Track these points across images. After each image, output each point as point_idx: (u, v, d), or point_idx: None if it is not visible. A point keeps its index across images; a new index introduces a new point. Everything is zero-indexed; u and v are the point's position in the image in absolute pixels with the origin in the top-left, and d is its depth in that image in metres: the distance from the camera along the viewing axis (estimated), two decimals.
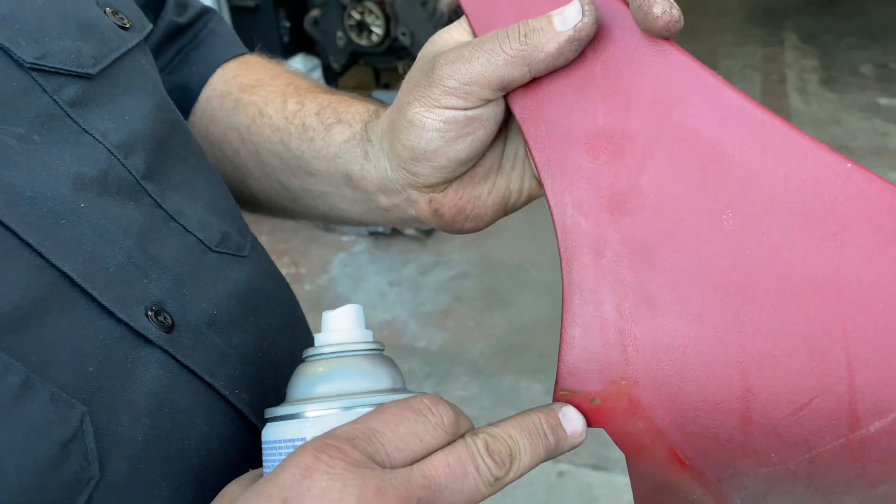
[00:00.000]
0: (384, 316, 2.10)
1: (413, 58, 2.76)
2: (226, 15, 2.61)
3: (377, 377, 0.31)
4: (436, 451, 0.27)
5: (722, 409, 0.30)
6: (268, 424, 0.31)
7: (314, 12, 2.71)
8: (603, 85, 0.32)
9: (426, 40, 0.38)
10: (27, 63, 0.32)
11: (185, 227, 0.37)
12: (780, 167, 0.29)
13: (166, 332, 0.33)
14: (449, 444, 0.28)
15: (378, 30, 2.64)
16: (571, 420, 0.32)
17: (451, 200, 0.38)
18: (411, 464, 0.27)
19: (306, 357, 0.32)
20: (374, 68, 2.84)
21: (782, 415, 0.29)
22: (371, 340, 0.32)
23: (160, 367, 0.32)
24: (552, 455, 0.31)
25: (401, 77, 0.47)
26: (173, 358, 0.33)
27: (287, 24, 2.74)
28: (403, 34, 2.63)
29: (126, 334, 0.31)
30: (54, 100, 0.33)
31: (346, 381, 0.30)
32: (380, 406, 0.29)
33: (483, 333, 2.09)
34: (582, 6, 0.31)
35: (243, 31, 0.61)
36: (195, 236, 0.37)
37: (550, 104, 0.33)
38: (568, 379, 0.33)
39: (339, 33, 2.68)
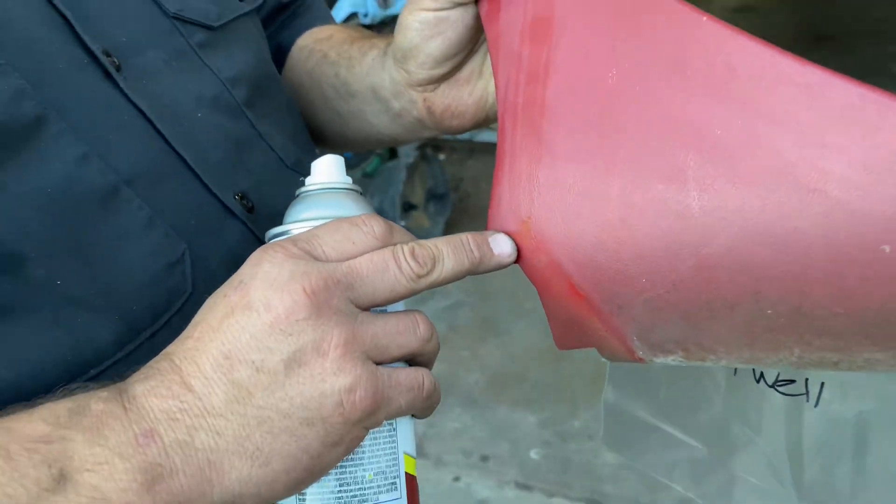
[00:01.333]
0: None
1: None
2: None
3: (350, 207, 0.38)
4: (367, 252, 0.34)
5: (600, 238, 0.35)
6: (267, 242, 0.38)
7: None
8: None
9: None
10: (171, 13, 0.45)
11: (270, 147, 0.48)
12: (651, 30, 0.34)
13: (248, 212, 0.45)
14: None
15: None
16: (500, 243, 0.38)
17: (440, 99, 0.49)
18: (344, 260, 0.34)
19: (298, 193, 0.40)
20: None
21: (645, 239, 0.33)
22: (349, 183, 0.40)
23: (241, 236, 0.44)
24: (477, 268, 0.37)
25: None
26: (251, 231, 0.44)
27: None
28: None
29: (218, 206, 0.43)
30: (187, 41, 0.46)
31: (325, 208, 0.38)
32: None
33: (478, 363, 2.08)
34: None
35: None
36: (277, 154, 0.49)
37: (504, 4, 0.41)
38: (492, 223, 0.39)
39: None
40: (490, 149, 3.29)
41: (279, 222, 0.41)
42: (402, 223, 2.32)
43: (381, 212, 2.06)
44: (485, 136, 3.27)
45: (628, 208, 0.34)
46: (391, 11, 2.65)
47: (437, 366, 0.38)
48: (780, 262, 0.30)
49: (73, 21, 0.39)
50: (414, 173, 2.46)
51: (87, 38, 0.39)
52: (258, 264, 0.33)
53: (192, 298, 0.40)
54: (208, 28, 0.47)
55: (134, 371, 0.33)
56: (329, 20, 0.65)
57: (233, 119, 0.46)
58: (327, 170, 0.40)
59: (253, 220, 0.45)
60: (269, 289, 0.32)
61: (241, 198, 0.44)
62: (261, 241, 0.44)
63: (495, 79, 0.41)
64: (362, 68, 0.53)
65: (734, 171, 0.30)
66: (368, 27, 2.62)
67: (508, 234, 0.38)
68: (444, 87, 0.48)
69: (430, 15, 0.44)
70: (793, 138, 0.29)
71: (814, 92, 0.29)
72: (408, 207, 2.43)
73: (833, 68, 0.29)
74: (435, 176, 2.62)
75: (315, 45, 0.60)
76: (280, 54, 0.61)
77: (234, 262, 0.41)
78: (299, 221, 0.38)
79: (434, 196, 2.62)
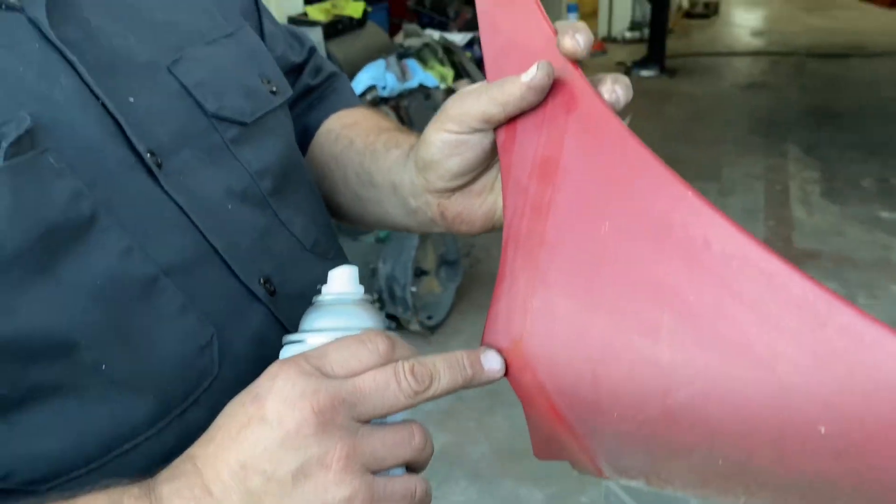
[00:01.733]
0: None
1: None
2: None
3: (361, 317, 0.42)
4: (371, 370, 0.38)
5: (581, 369, 0.39)
6: (284, 347, 0.42)
7: None
8: (549, 124, 0.43)
9: None
10: (210, 112, 0.49)
11: (291, 232, 0.53)
12: (643, 193, 0.38)
13: (270, 295, 0.48)
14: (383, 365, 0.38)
15: None
16: (490, 360, 0.41)
17: (453, 206, 0.52)
18: (350, 377, 0.37)
19: (314, 301, 0.43)
20: None
21: (619, 379, 0.37)
22: (361, 293, 0.43)
23: (264, 318, 0.47)
24: (470, 383, 0.40)
25: None
26: (272, 313, 0.48)
27: None
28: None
29: (244, 292, 0.47)
30: (222, 137, 0.49)
31: (338, 318, 0.41)
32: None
33: (485, 435, 2.04)
34: (538, 65, 0.42)
35: None
36: (297, 238, 0.53)
37: (519, 139, 0.45)
38: (488, 337, 0.43)
39: None
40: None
41: (298, 303, 0.45)
42: (414, 289, 2.33)
43: (392, 278, 2.05)
44: None
45: (608, 349, 0.38)
46: (408, 85, 2.73)
47: (443, 436, 0.39)
48: (733, 423, 0.34)
49: (123, 125, 0.43)
50: (426, 239, 2.48)
51: (134, 140, 0.43)
52: (274, 379, 0.36)
53: (219, 378, 0.44)
54: (242, 124, 0.50)
55: (162, 467, 0.37)
56: (354, 103, 0.68)
57: (258, 209, 0.50)
58: (342, 281, 0.43)
59: (274, 302, 0.48)
60: (283, 404, 0.36)
61: (265, 282, 0.48)
62: (281, 323, 0.48)
63: (503, 203, 0.45)
64: (386, 163, 0.57)
65: (701, 336, 0.35)
66: (386, 99, 2.70)
67: (500, 349, 0.42)
68: (458, 195, 0.51)
69: (452, 137, 0.47)
70: (754, 318, 0.33)
71: (775, 280, 0.33)
72: (419, 273, 2.43)
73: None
74: (447, 242, 2.64)
75: (342, 131, 0.63)
76: (306, 135, 0.65)
77: (256, 343, 0.47)
78: (314, 331, 0.41)
79: (445, 262, 2.63)
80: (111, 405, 0.40)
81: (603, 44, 4.00)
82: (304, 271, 0.51)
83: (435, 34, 3.33)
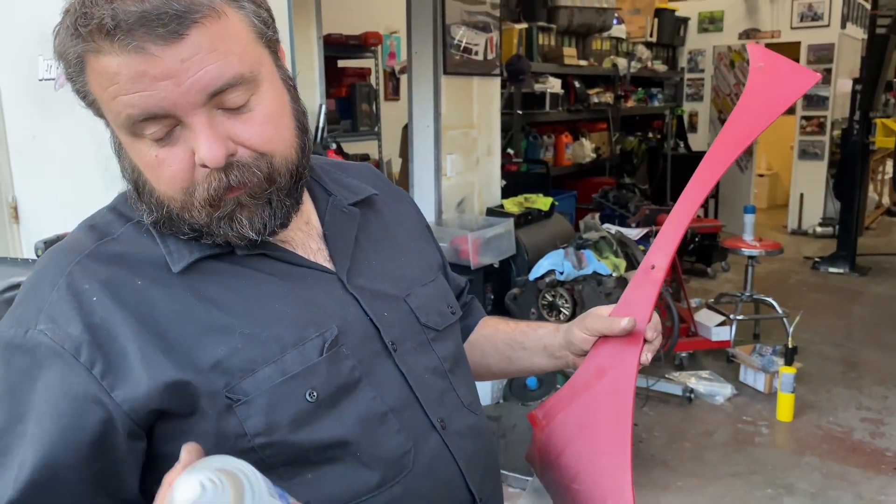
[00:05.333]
0: None
1: None
2: None
3: None
4: None
5: (557, 444, 0.88)
6: None
7: (515, 290, 3.26)
8: (611, 354, 0.86)
9: None
10: (422, 322, 0.84)
11: (457, 394, 0.86)
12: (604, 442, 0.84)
13: (443, 429, 0.80)
14: None
15: (566, 311, 3.08)
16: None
17: (578, 361, 0.91)
18: None
19: None
20: None
21: (561, 453, 0.89)
22: None
23: (437, 441, 0.80)
24: None
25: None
26: (442, 439, 0.80)
27: (491, 296, 3.30)
28: None
29: (429, 425, 0.80)
30: (426, 337, 0.84)
31: None
32: None
33: None
34: (628, 320, 0.84)
35: None
36: (460, 399, 0.86)
37: (600, 348, 0.88)
38: (553, 399, 0.91)
39: (533, 310, 3.17)
40: (665, 397, 3.42)
41: (457, 436, 0.80)
42: None
43: None
44: (661, 385, 3.45)
45: (569, 443, 0.87)
46: (583, 272, 3.11)
47: None
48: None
49: (380, 329, 0.78)
50: None
51: (385, 336, 0.78)
52: None
53: (412, 471, 0.76)
54: (437, 330, 0.86)
55: None
56: (484, 315, 1.13)
57: (441, 379, 0.84)
58: None
59: (445, 434, 0.81)
60: None
61: (441, 421, 0.81)
62: (446, 444, 0.80)
63: (579, 367, 0.92)
64: (536, 335, 0.98)
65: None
66: (562, 283, 3.09)
67: (535, 416, 0.93)
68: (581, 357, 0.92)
69: (583, 335, 0.89)
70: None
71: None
72: None
73: None
74: None
75: (487, 322, 1.09)
76: (467, 330, 1.08)
77: (432, 453, 0.79)
78: None
79: None
80: (358, 475, 0.72)
81: (779, 244, 4.12)
82: (461, 418, 0.84)
83: (612, 228, 3.68)
